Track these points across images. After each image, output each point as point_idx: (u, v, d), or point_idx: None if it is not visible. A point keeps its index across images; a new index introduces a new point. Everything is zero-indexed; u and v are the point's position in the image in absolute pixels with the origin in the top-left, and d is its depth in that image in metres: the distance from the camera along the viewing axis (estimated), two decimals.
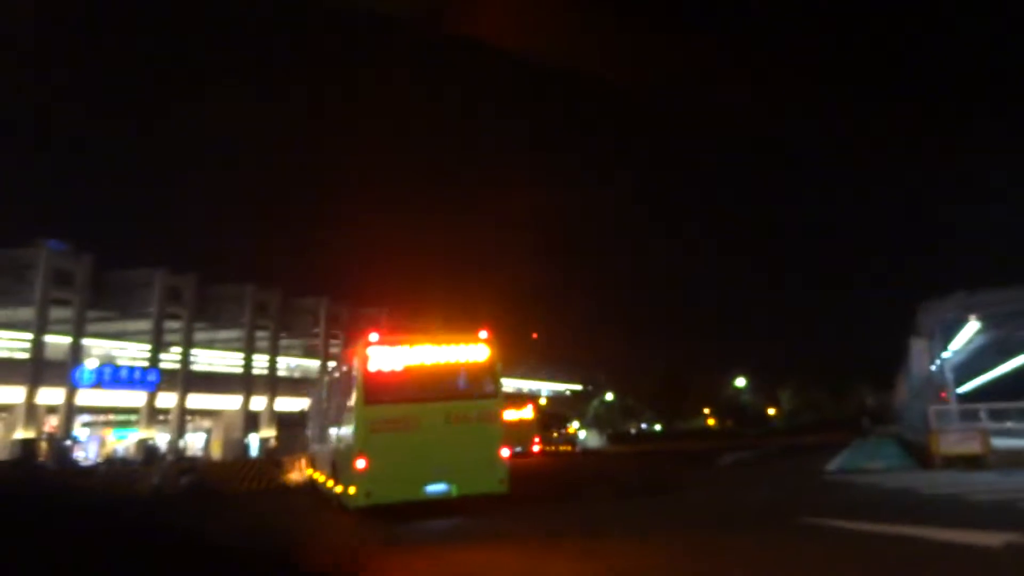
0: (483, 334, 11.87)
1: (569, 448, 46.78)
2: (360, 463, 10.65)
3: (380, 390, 11.20)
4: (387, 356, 11.41)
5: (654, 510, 11.18)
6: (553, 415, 53.94)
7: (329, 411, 14.58)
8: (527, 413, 41.83)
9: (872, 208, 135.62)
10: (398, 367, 11.38)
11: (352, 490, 10.79)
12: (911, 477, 14.24)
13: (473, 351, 11.81)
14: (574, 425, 56.23)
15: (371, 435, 10.88)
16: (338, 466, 12.19)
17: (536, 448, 39.69)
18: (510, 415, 42.12)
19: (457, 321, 21.55)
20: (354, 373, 11.64)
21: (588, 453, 47.15)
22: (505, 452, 11.55)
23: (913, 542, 6.82)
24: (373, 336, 11.71)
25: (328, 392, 15.45)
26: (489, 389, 11.79)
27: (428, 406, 11.25)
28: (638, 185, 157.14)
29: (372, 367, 11.24)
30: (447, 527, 10.19)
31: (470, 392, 11.66)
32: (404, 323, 42.79)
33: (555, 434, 46.51)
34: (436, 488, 10.88)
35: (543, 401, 77.15)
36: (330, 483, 12.76)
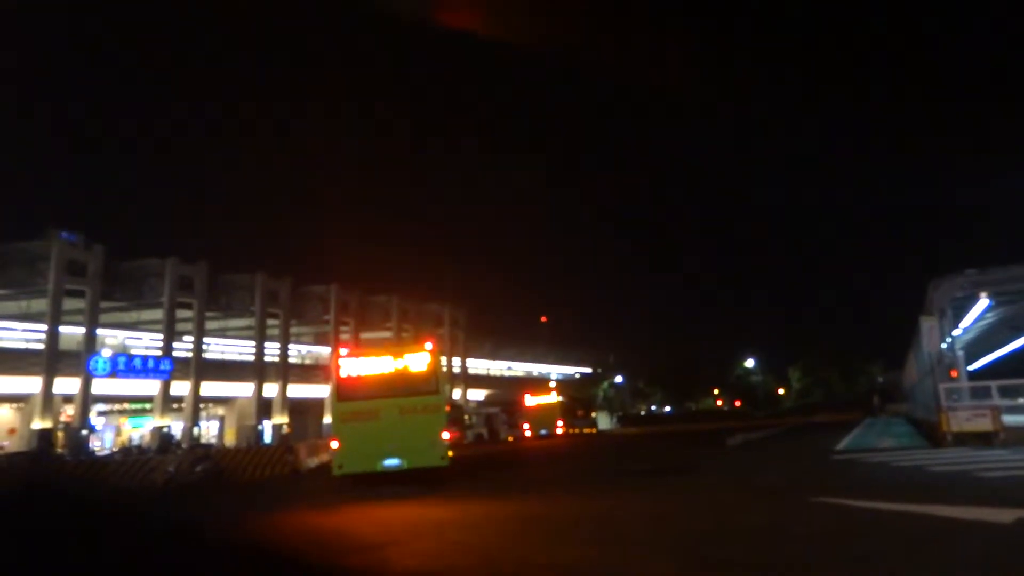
0: (428, 345, 15.14)
1: (593, 430, 48.47)
2: (334, 444, 14.42)
3: (349, 391, 14.65)
4: (354, 365, 14.87)
5: (664, 491, 11.26)
6: (579, 400, 56.13)
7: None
8: (551, 399, 44.28)
9: (883, 187, 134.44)
10: (363, 373, 14.75)
11: (333, 464, 14.39)
12: (922, 455, 14.25)
13: (419, 359, 14.93)
14: (596, 409, 59.12)
15: (342, 424, 14.42)
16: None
17: (560, 430, 41.57)
18: (534, 400, 43.94)
19: (418, 335, 28.96)
20: (331, 378, 15.69)
21: (601, 435, 47.85)
22: (446, 436, 14.52)
23: (923, 519, 6.85)
24: (343, 351, 15.69)
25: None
26: (432, 388, 14.77)
27: (384, 401, 14.40)
28: (648, 168, 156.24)
29: (343, 373, 14.70)
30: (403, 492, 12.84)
31: (417, 391, 14.58)
32: (367, 341, 48.05)
33: (579, 414, 48.64)
34: (391, 462, 14.02)
35: (552, 384, 77.51)
36: None
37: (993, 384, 18.33)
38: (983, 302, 18.82)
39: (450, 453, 14.62)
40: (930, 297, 17.97)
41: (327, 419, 51.12)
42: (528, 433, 42.05)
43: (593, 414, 54.85)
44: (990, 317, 22.55)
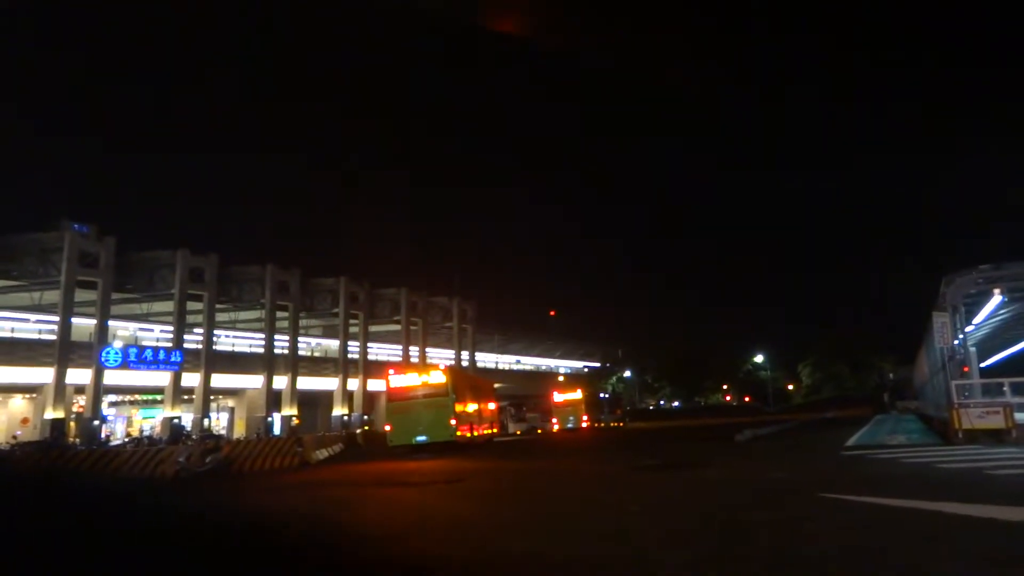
0: (442, 366, 27.28)
1: (621, 424, 52.34)
2: (387, 427, 25.11)
3: (395, 395, 25.38)
4: (398, 379, 25.77)
5: (675, 485, 11.24)
6: (605, 398, 60.79)
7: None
8: (576, 395, 47.91)
9: (898, 183, 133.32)
10: (403, 384, 25.40)
11: (387, 438, 24.74)
12: (932, 452, 14.14)
13: (436, 375, 25.49)
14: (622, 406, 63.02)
15: (391, 415, 25.22)
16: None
17: (585, 424, 45.14)
18: (561, 397, 47.90)
19: (434, 364, 39.13)
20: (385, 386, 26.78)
21: (610, 428, 48.79)
22: (453, 421, 24.01)
23: (934, 516, 6.79)
24: (392, 372, 26.83)
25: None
26: (444, 393, 24.50)
27: (415, 401, 24.61)
28: (657, 163, 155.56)
29: (392, 384, 25.66)
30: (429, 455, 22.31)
31: (435, 394, 24.49)
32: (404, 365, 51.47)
33: (604, 412, 52.73)
34: (421, 438, 23.88)
35: (560, 378, 77.63)
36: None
37: (1006, 381, 18.18)
38: (996, 298, 18.65)
39: (458, 432, 24.28)
40: (943, 293, 17.81)
41: (336, 411, 51.48)
42: (556, 427, 45.43)
43: (619, 411, 57.95)
44: (1003, 313, 22.35)
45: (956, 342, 17.66)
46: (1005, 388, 17.81)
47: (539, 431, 46.31)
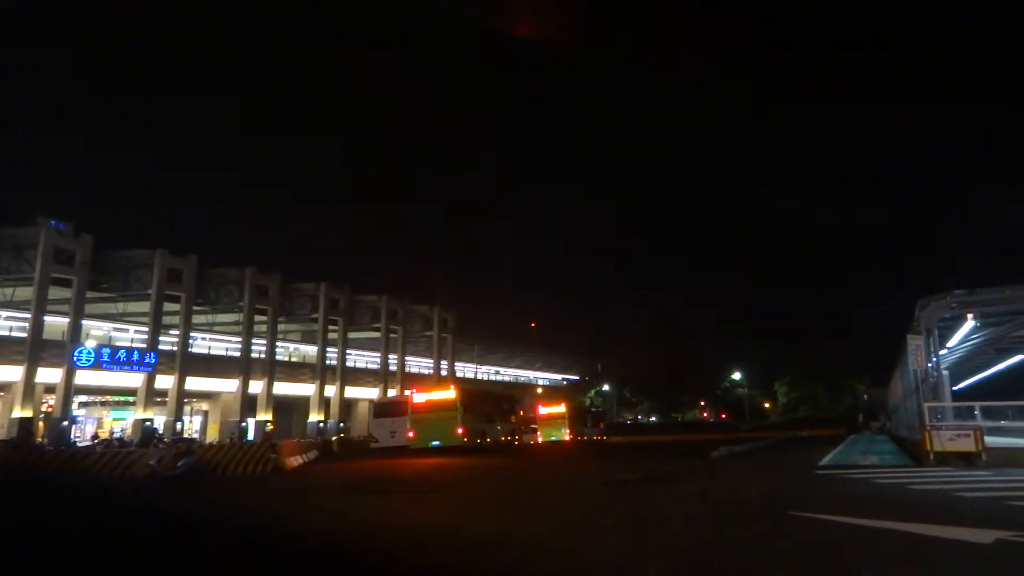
0: (452, 387, 32.99)
1: (603, 438, 53.54)
2: (411, 433, 30.16)
3: (416, 408, 30.88)
4: (419, 396, 31.74)
5: (649, 500, 11.26)
6: (589, 411, 62.23)
7: None
8: (560, 409, 49.55)
9: (875, 206, 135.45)
10: (422, 400, 31.26)
11: (411, 442, 29.98)
12: (905, 473, 14.30)
13: (446, 392, 31.79)
14: (605, 419, 64.53)
15: (414, 424, 30.31)
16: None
17: (568, 437, 46.69)
18: (545, 411, 49.60)
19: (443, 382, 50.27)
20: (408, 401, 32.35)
21: (592, 442, 49.47)
22: (460, 430, 29.81)
23: (904, 537, 6.87)
24: (415, 390, 33.04)
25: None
26: (453, 407, 30.37)
27: (431, 413, 30.33)
28: (642, 178, 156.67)
29: (415, 400, 31.43)
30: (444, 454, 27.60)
31: (445, 408, 30.40)
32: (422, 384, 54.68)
33: (589, 422, 54.64)
34: (435, 442, 29.51)
35: (539, 390, 77.57)
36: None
37: (977, 405, 18.47)
38: (969, 323, 18.94)
39: (465, 439, 30.06)
40: (917, 316, 18.08)
41: (313, 417, 50.99)
42: (540, 439, 46.79)
43: (603, 425, 58.91)
44: (976, 338, 22.70)
45: (930, 365, 17.91)
46: (976, 412, 18.10)
47: (523, 441, 46.96)
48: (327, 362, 52.65)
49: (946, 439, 15.76)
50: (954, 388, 26.58)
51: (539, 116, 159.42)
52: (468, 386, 51.42)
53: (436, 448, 29.06)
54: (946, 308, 17.99)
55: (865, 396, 70.99)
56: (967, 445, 15.52)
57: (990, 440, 16.22)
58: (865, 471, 15.30)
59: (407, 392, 35.05)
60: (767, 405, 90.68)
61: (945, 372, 20.31)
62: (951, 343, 21.72)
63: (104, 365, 38.22)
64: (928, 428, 16.24)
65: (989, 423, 17.93)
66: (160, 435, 39.22)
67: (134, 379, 40.60)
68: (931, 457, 15.79)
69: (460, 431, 29.63)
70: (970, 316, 18.41)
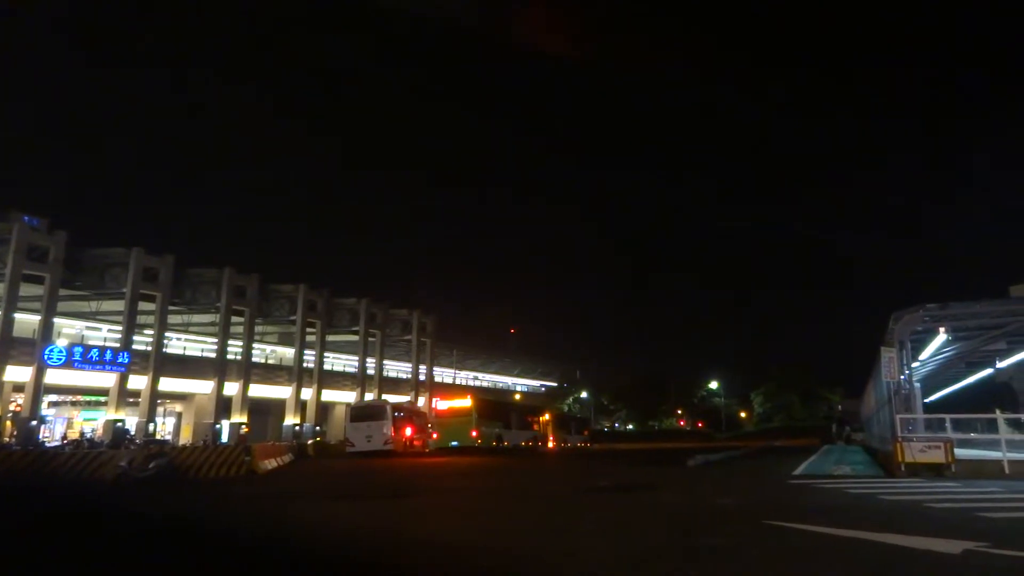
0: (469, 397, 40.14)
1: (587, 444, 54.20)
2: (435, 435, 38.78)
3: (440, 413, 40.90)
4: (442, 403, 41.81)
5: (624, 507, 11.29)
6: (572, 418, 62.85)
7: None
8: (466, 403, 50.14)
9: (853, 218, 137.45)
10: (444, 407, 40.47)
11: (433, 443, 38.13)
12: (876, 484, 14.47)
13: (463, 401, 39.27)
14: (589, 427, 64.86)
15: (437, 427, 39.26)
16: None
17: (551, 444, 47.46)
18: (446, 405, 52.39)
19: (458, 391, 53.78)
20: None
21: (576, 448, 49.03)
22: (474, 433, 36.68)
23: (875, 546, 6.95)
24: (439, 398, 46.77)
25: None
26: (468, 413, 37.44)
27: (450, 418, 38.30)
28: (620, 188, 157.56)
29: (437, 407, 43.12)
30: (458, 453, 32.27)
31: (461, 414, 37.60)
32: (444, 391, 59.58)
33: (571, 432, 55.18)
34: (454, 443, 36.51)
35: (517, 397, 77.55)
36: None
37: (948, 417, 18.77)
38: (941, 337, 19.25)
39: (479, 441, 35.96)
40: (891, 329, 18.34)
41: (288, 420, 50.49)
42: (522, 444, 47.44)
43: (587, 432, 59.12)
44: (947, 351, 23.09)
45: (902, 377, 18.18)
46: (947, 424, 18.41)
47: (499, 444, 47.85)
48: (304, 365, 52.20)
49: (917, 450, 15.98)
50: (925, 400, 27.00)
51: (522, 123, 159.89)
52: (488, 396, 60.42)
53: (454, 447, 35.73)
54: (919, 321, 18.27)
55: (839, 407, 71.79)
56: (937, 457, 15.75)
57: (960, 452, 16.48)
58: (838, 481, 15.46)
59: (386, 397, 41.73)
60: (743, 415, 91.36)
61: (917, 384, 20.62)
62: (923, 356, 22.07)
63: (75, 364, 37.57)
64: (900, 439, 16.47)
65: (959, 435, 18.22)
66: (131, 436, 38.60)
67: (106, 379, 39.95)
68: (902, 468, 16.00)
69: (474, 434, 36.26)
70: (942, 330, 18.72)
